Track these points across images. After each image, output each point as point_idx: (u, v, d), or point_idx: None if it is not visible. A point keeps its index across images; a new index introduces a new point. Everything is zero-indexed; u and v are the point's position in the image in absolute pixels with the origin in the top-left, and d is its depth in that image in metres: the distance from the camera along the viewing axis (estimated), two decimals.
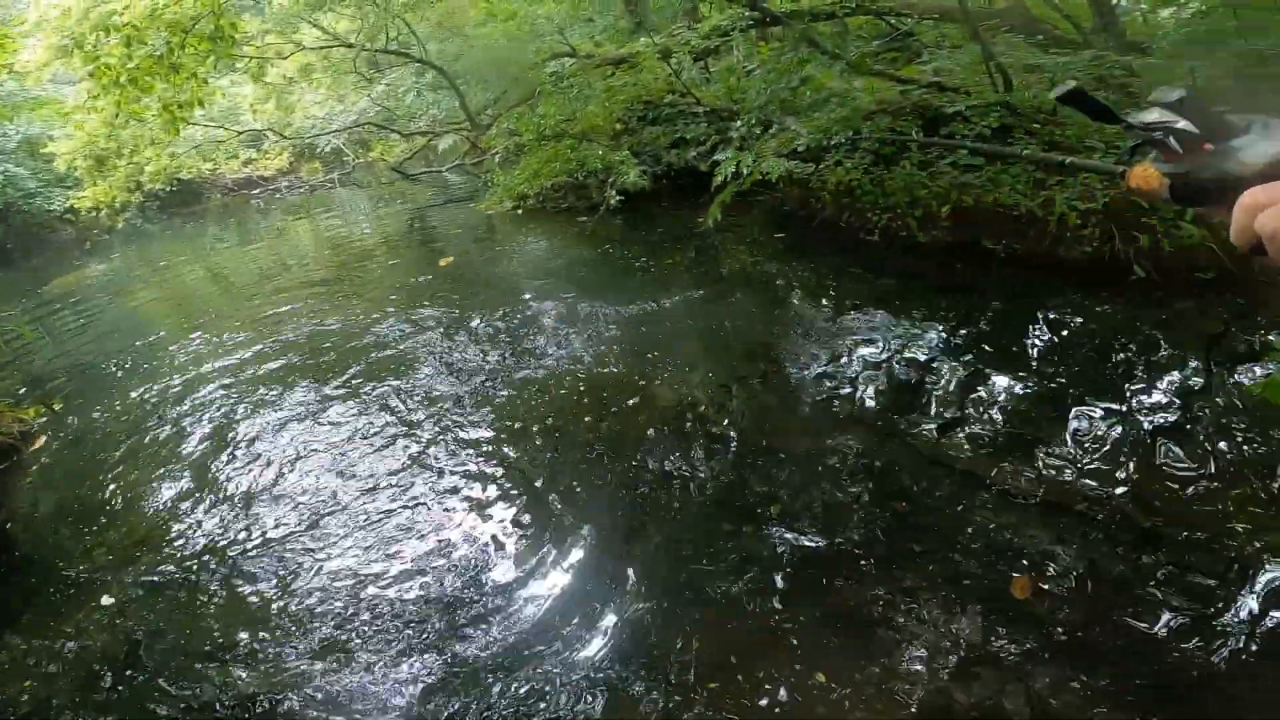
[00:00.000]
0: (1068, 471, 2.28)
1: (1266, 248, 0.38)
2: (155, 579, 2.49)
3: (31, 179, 14.25)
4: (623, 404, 3.15)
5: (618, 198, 6.23)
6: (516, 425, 3.10)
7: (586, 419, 3.06)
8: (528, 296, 4.88)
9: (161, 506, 2.94)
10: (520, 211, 7.27)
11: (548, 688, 1.80)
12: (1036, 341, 3.06)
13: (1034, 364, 2.91)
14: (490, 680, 1.85)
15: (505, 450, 2.94)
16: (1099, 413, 2.51)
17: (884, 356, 3.14)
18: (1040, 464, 2.33)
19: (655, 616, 1.97)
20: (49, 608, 2.45)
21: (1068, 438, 2.42)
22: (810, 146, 4.63)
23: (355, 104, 13.24)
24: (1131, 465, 2.25)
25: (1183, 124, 0.46)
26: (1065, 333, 3.08)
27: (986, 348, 3.09)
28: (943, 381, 2.88)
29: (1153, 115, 0.47)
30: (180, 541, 2.68)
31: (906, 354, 3.13)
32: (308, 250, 8.95)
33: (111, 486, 3.19)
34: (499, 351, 3.99)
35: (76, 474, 3.38)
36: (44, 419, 4.08)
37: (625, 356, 3.63)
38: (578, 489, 2.60)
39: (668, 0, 9.50)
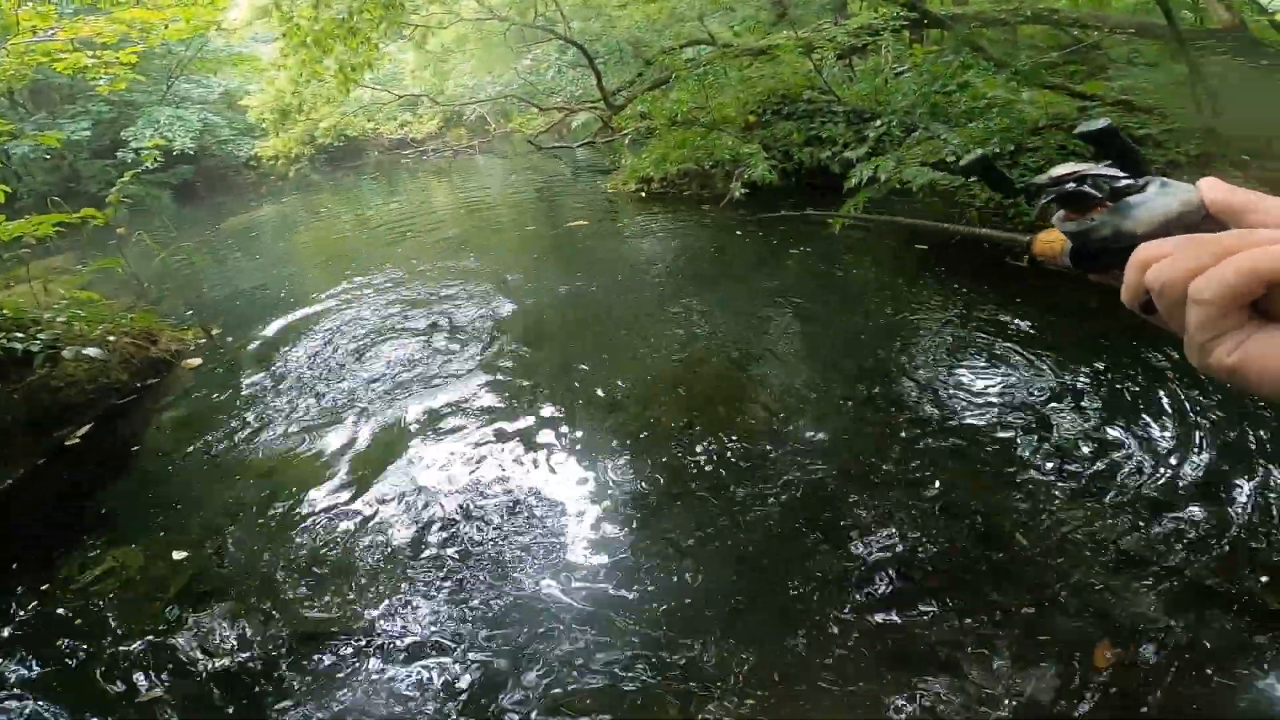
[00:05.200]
0: (1201, 544, 2.00)
1: (1155, 303, 0.37)
2: (262, 507, 2.74)
3: (226, 127, 16.15)
4: (712, 403, 3.08)
5: (743, 191, 6.07)
6: (602, 404, 3.12)
7: (674, 412, 3.02)
8: (633, 280, 4.88)
9: (285, 439, 3.24)
10: (644, 194, 7.29)
11: (581, 679, 1.81)
12: (1200, 401, 2.63)
13: (1189, 424, 2.51)
14: (521, 665, 1.87)
15: (585, 427, 2.96)
16: (1242, 479, 2.18)
17: (1006, 391, 2.84)
18: (1171, 530, 2.05)
19: (704, 619, 1.93)
20: (163, 521, 2.76)
21: (1198, 501, 2.13)
22: (960, 156, 4.24)
23: (501, 76, 13.84)
24: (1270, 539, 1.97)
25: (1099, 168, 0.43)
26: (1225, 391, 2.62)
27: (1134, 398, 2.70)
28: (1070, 429, 2.58)
29: (1064, 168, 0.44)
30: (293, 475, 2.94)
31: (1032, 391, 2.82)
32: (443, 211, 9.52)
33: (245, 413, 3.56)
34: (600, 330, 4.03)
35: (217, 396, 3.81)
36: (202, 341, 4.63)
37: (727, 356, 3.54)
38: (657, 480, 2.57)
39: None
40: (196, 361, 4.34)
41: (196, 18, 6.42)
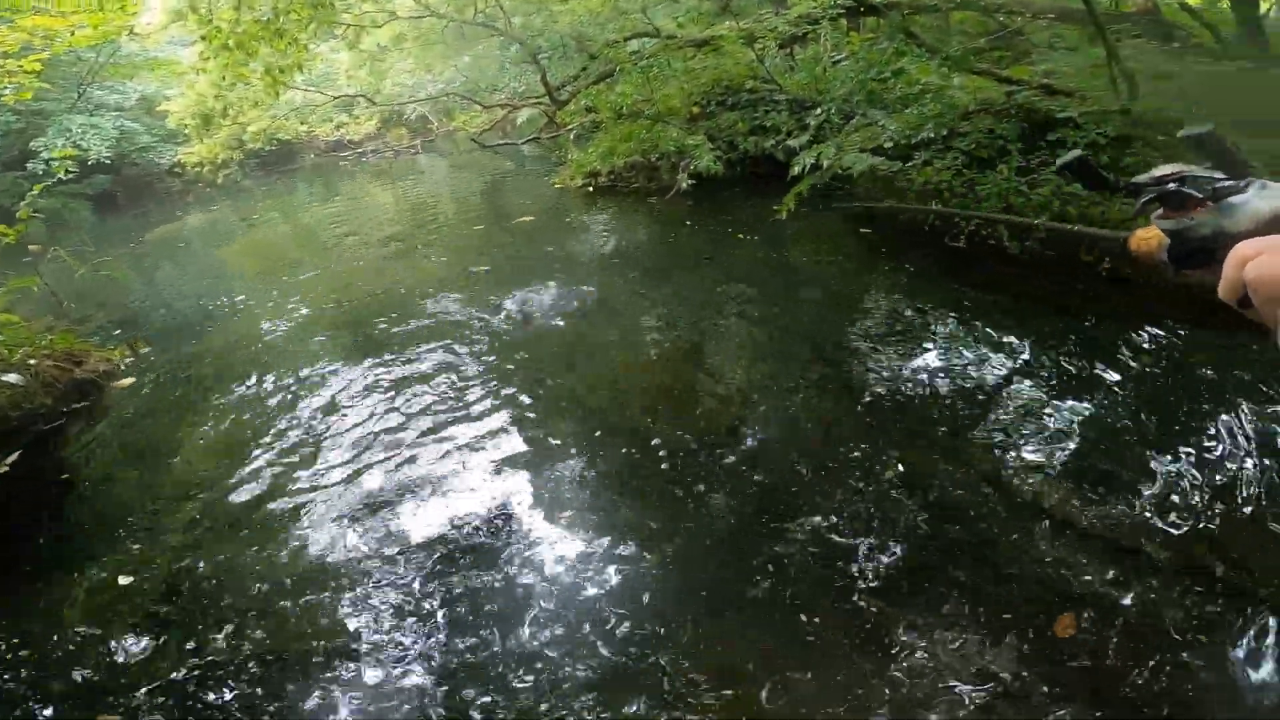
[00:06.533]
0: (1140, 510, 2.10)
1: (1251, 298, 0.38)
2: (208, 526, 2.62)
3: (145, 134, 15.25)
4: (670, 395, 3.09)
5: (690, 181, 6.10)
6: (561, 402, 3.09)
7: (633, 406, 3.01)
8: (585, 276, 4.86)
9: (226, 455, 3.10)
10: (591, 189, 7.25)
11: (554, 682, 1.79)
12: (1129, 369, 2.79)
13: (1121, 393, 2.66)
14: (492, 672, 1.84)
15: (544, 426, 2.93)
16: (1188, 452, 2.29)
17: (955, 370, 2.94)
18: (1110, 499, 2.15)
19: (676, 617, 1.93)
20: (104, 547, 2.61)
21: (1146, 475, 2.23)
22: (897, 143, 4.36)
23: (442, 74, 13.49)
24: (1217, 511, 2.06)
25: (1200, 170, 0.45)
26: (1164, 363, 2.79)
27: (1070, 370, 2.84)
28: (1016, 402, 2.69)
29: (1166, 169, 0.46)
30: (238, 491, 2.81)
31: (980, 370, 2.93)
32: (385, 213, 9.26)
33: (182, 431, 3.39)
34: (552, 329, 3.99)
35: (152, 416, 3.62)
36: (130, 359, 4.38)
37: (679, 346, 3.56)
38: (612, 477, 2.56)
39: None
40: (128, 381, 4.10)
41: (105, 23, 6.07)
